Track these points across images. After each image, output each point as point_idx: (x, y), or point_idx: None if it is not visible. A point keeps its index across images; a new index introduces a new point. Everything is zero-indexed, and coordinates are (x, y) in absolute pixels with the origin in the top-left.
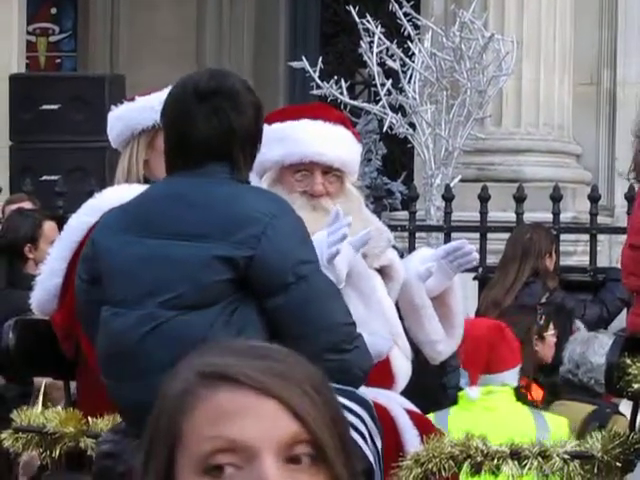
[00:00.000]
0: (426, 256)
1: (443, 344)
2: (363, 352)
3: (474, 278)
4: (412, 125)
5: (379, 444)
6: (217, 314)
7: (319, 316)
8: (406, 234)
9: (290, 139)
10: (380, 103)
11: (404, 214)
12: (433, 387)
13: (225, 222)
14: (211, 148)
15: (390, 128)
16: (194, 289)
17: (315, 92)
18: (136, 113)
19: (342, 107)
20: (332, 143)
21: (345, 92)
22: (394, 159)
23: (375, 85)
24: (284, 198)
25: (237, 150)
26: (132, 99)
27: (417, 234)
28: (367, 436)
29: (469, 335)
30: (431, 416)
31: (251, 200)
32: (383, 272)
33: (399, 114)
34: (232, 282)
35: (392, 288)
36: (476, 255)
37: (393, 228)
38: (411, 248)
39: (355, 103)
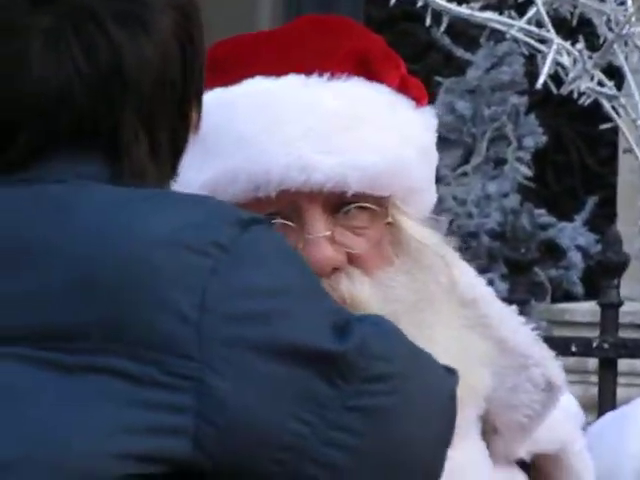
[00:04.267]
0: None
1: None
2: None
3: None
4: (610, 73)
5: None
6: None
7: None
8: (594, 361)
9: (224, 140)
10: (526, 17)
11: (591, 307)
12: None
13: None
14: (69, 109)
15: (557, 81)
16: None
17: None
18: None
19: (428, 25)
20: (333, 134)
21: None
22: (558, 160)
23: None
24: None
25: (130, 113)
26: None
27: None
28: None
29: None
30: None
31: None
32: (538, 469)
33: (581, 50)
34: None
35: None
36: None
37: (566, 345)
38: (604, 392)
39: (467, 12)
